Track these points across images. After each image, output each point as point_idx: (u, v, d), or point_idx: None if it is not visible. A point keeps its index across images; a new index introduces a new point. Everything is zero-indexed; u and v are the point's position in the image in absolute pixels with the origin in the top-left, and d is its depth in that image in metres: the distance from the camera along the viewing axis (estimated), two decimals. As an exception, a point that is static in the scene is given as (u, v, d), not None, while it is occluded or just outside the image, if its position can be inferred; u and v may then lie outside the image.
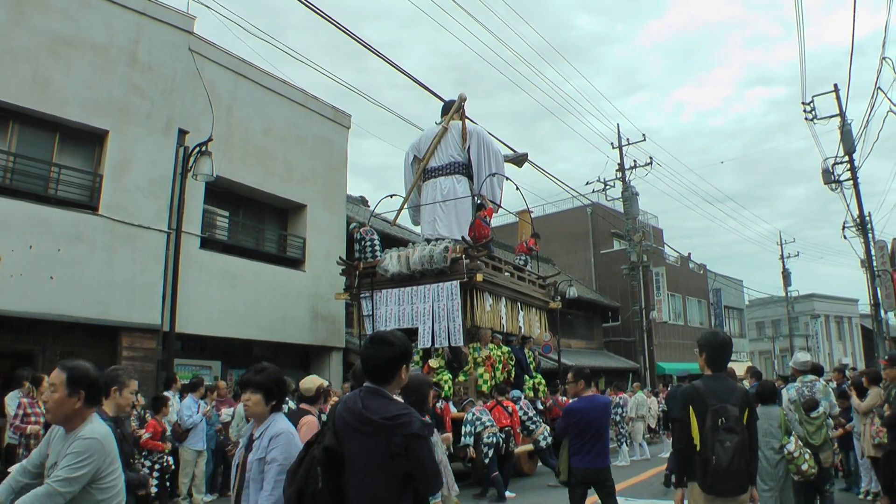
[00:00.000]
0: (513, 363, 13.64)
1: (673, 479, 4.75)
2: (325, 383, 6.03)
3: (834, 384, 10.55)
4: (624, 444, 14.63)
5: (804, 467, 6.45)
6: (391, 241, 16.41)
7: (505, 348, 13.64)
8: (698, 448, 4.31)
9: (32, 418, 8.06)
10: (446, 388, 12.43)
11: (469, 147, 15.16)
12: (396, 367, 3.13)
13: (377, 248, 14.60)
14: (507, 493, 10.29)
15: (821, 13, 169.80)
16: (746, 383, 9.35)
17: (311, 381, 5.58)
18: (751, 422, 4.37)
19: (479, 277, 12.76)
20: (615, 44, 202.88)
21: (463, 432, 10.68)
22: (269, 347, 15.33)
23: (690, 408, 4.37)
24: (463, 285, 12.90)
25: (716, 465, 4.14)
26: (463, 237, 13.55)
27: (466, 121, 15.37)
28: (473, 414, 10.85)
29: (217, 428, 10.70)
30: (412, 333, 12.76)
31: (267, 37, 23.73)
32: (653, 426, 17.09)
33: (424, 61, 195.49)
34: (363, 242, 14.70)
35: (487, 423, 10.71)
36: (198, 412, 9.83)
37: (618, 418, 14.46)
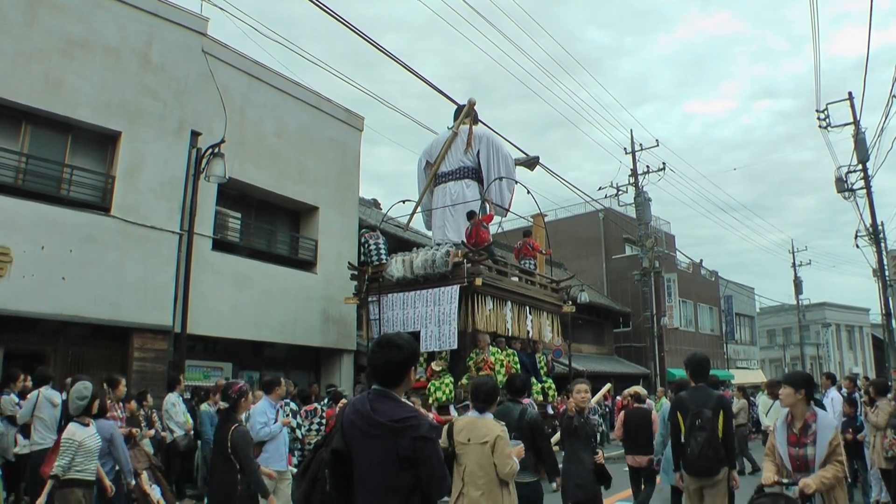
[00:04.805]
0: (517, 366, 13.54)
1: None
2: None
3: (845, 392, 10.67)
4: None
5: None
6: (405, 245, 16.40)
7: (509, 350, 13.61)
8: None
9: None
10: (448, 391, 12.41)
11: (478, 151, 15.16)
12: (405, 369, 3.14)
13: (382, 252, 14.54)
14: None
15: (828, 28, 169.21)
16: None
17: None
18: (726, 421, 5.70)
19: (479, 282, 12.77)
20: (624, 56, 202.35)
21: None
22: (280, 349, 15.36)
23: (678, 412, 5.86)
24: (463, 289, 12.90)
25: (689, 453, 5.64)
26: (463, 242, 13.55)
27: (473, 125, 15.34)
28: None
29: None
30: (416, 337, 12.73)
31: (283, 40, 23.77)
32: None
33: (436, 71, 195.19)
34: (367, 246, 14.66)
35: None
36: (276, 420, 7.30)
37: None
